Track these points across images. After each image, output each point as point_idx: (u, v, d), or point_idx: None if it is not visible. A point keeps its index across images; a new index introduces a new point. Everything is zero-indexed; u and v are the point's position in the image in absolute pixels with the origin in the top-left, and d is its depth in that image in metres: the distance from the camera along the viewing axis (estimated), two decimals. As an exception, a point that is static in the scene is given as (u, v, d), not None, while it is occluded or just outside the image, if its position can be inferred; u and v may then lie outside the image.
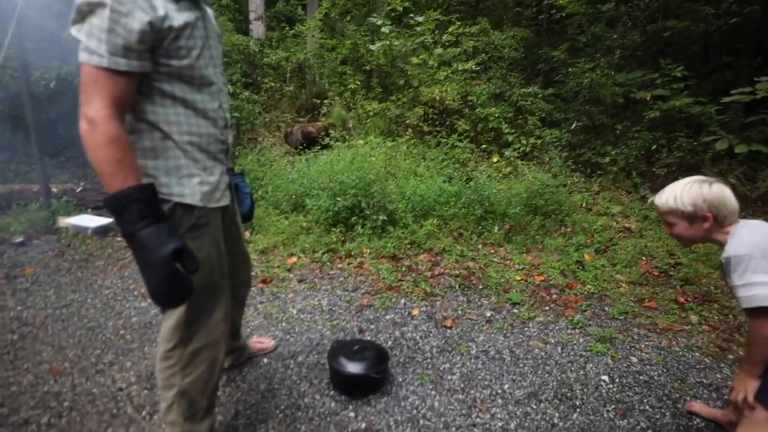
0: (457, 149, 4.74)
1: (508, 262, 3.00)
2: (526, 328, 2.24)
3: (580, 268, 2.91)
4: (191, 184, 1.17)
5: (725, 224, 1.28)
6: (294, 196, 3.73)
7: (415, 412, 1.65)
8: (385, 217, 3.25)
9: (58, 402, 1.68)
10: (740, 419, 1.34)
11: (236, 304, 1.62)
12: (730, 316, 2.36)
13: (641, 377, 1.87)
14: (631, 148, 4.44)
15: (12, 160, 4.79)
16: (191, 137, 1.16)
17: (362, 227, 3.24)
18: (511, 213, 3.48)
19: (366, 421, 1.60)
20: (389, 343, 2.09)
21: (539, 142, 4.82)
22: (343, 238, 3.22)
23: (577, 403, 1.71)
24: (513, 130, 4.95)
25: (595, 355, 2.02)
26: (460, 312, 2.39)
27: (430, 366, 1.93)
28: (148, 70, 1.04)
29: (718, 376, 1.88)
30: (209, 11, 1.23)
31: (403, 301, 2.49)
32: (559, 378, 1.86)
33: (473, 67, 5.51)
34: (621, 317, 2.35)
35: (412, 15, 5.84)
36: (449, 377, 1.85)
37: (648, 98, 4.45)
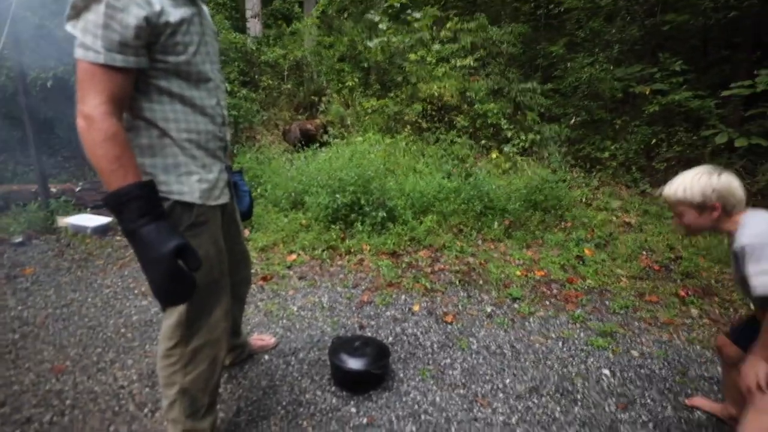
0: (456, 145, 4.74)
1: (508, 257, 3.00)
2: (526, 323, 2.24)
3: (581, 262, 2.91)
4: (190, 182, 1.16)
5: (733, 213, 1.29)
6: (293, 194, 3.72)
7: (416, 407, 1.66)
8: (385, 214, 3.25)
9: (60, 400, 1.68)
10: (746, 407, 1.33)
11: (236, 301, 1.62)
12: (731, 310, 2.37)
13: (642, 371, 1.88)
14: (631, 142, 4.44)
15: (10, 161, 4.78)
16: (189, 134, 1.15)
17: (362, 224, 3.24)
18: (511, 209, 3.48)
19: (367, 417, 1.60)
20: (390, 339, 2.10)
21: (538, 137, 4.81)
22: (342, 235, 3.22)
23: (579, 397, 1.72)
24: (512, 126, 4.94)
25: (596, 349, 2.03)
26: (460, 307, 2.39)
27: (431, 361, 1.93)
28: (144, 66, 1.03)
29: (719, 369, 1.88)
30: (205, 8, 1.23)
31: (403, 297, 2.49)
32: (560, 372, 1.86)
33: (471, 63, 5.49)
34: (622, 311, 2.36)
35: (409, 11, 5.82)
36: (450, 372, 1.86)
37: (647, 92, 4.45)
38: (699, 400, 1.68)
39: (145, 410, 1.63)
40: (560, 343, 2.07)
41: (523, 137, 4.84)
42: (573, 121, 4.98)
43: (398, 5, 5.91)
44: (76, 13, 0.95)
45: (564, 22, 6.22)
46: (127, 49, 0.97)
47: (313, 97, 6.06)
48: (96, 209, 3.89)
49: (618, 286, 2.62)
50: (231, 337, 1.64)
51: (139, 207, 0.97)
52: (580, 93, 5.02)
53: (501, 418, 1.60)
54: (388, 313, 2.32)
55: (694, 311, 2.36)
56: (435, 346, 2.04)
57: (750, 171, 3.91)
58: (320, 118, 5.71)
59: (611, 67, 4.88)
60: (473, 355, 1.97)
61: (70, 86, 4.30)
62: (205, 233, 1.22)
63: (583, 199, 3.97)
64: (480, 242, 3.24)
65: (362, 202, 3.28)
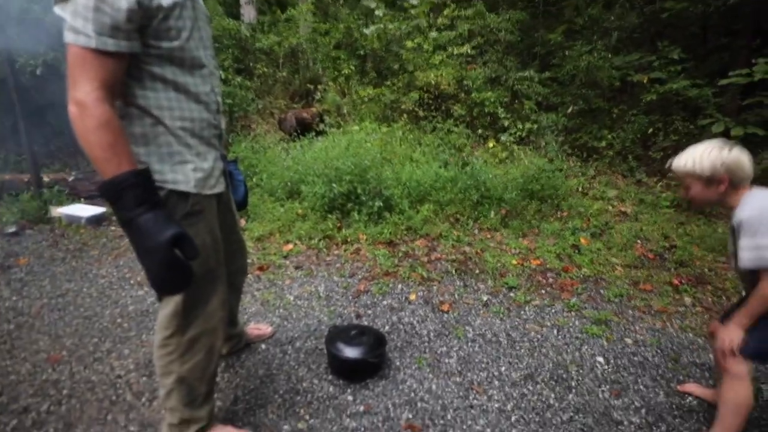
0: (453, 134, 4.71)
1: (505, 246, 3.01)
2: (522, 312, 2.26)
3: (576, 251, 2.92)
4: (185, 171, 1.15)
5: (739, 188, 1.31)
6: (289, 183, 3.70)
7: (412, 395, 1.67)
8: (381, 203, 3.24)
9: (57, 390, 1.68)
10: (723, 374, 1.39)
11: (233, 291, 1.61)
12: (724, 298, 2.39)
13: (636, 358, 1.90)
14: (628, 131, 4.43)
15: (1, 150, 4.71)
16: (183, 122, 1.13)
17: (358, 213, 3.23)
18: (507, 198, 3.48)
19: (364, 405, 1.62)
20: (386, 327, 2.11)
21: (535, 126, 4.79)
22: (339, 225, 3.21)
23: (573, 384, 1.74)
24: (509, 115, 4.91)
25: (590, 337, 2.05)
26: (456, 296, 2.40)
27: (427, 350, 1.94)
28: (137, 51, 1.00)
29: (710, 356, 1.90)
30: None
31: (400, 286, 2.50)
32: (555, 360, 1.88)
33: (469, 50, 5.44)
34: (616, 300, 2.38)
35: (406, -3, 5.74)
36: (446, 360, 1.87)
37: (645, 81, 4.42)
38: (691, 386, 1.70)
39: (143, 399, 1.63)
40: (555, 331, 2.09)
41: (520, 126, 4.82)
42: (570, 110, 4.96)
43: (395, -9, 5.82)
44: None
45: (563, 9, 6.14)
46: (119, 33, 0.94)
47: (308, 85, 5.99)
48: (90, 199, 3.86)
49: (613, 275, 2.64)
50: (228, 327, 1.64)
51: (135, 196, 0.96)
52: (578, 81, 4.98)
53: (496, 405, 1.62)
54: (384, 302, 2.33)
55: (688, 299, 2.38)
56: (431, 334, 2.06)
57: (746, 160, 3.91)
58: (316, 106, 5.66)
59: (609, 56, 4.84)
60: (469, 344, 1.99)
61: (60, 73, 4.23)
62: (201, 222, 1.20)
63: (580, 189, 3.97)
64: (476, 231, 3.24)
65: (359, 191, 3.27)
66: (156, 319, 1.32)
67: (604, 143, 4.50)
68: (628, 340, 2.02)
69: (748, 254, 1.24)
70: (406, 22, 5.67)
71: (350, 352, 1.70)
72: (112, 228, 3.36)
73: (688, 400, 1.66)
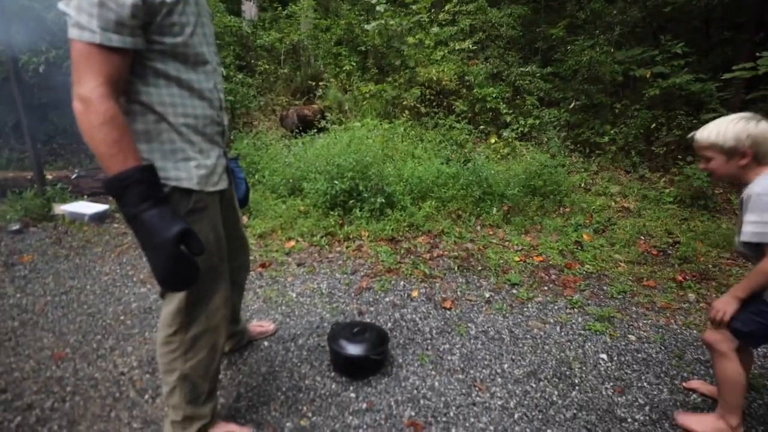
0: (455, 130, 4.70)
1: (507, 243, 3.00)
2: (525, 309, 2.25)
3: (579, 248, 2.91)
4: (188, 168, 1.14)
5: (762, 164, 1.30)
6: (291, 180, 3.70)
7: (415, 392, 1.67)
8: (383, 200, 3.23)
9: (61, 387, 1.69)
10: (712, 356, 1.46)
11: (235, 288, 1.61)
12: (727, 294, 2.38)
13: (639, 355, 1.89)
14: (630, 127, 4.40)
15: (4, 147, 4.72)
16: (187, 119, 1.13)
17: (360, 210, 3.23)
18: (510, 194, 3.47)
19: (367, 402, 1.62)
20: (389, 324, 2.11)
21: (537, 122, 4.77)
22: (341, 222, 3.21)
23: (576, 381, 1.74)
24: (511, 111, 4.89)
25: (593, 333, 2.04)
26: (459, 293, 2.40)
27: (429, 347, 1.94)
28: (141, 47, 1.00)
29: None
30: None
31: (402, 283, 2.50)
32: (558, 357, 1.88)
33: (470, 46, 5.41)
34: (619, 296, 2.37)
35: (407, -8, 5.71)
36: (449, 358, 1.87)
37: (648, 76, 4.39)
38: (695, 383, 1.70)
39: (146, 396, 1.64)
40: (558, 328, 2.08)
41: (522, 122, 4.80)
42: (572, 105, 4.93)
43: (396, -14, 5.79)
44: None
45: (564, 3, 6.10)
46: (124, 28, 0.94)
47: (310, 82, 5.98)
48: (93, 196, 3.87)
49: (616, 271, 2.63)
50: (230, 324, 1.64)
51: (140, 192, 0.96)
52: (580, 77, 4.95)
53: (499, 403, 1.62)
54: (387, 299, 2.33)
55: (692, 296, 2.37)
56: (434, 331, 2.05)
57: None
58: (318, 103, 5.64)
59: (612, 50, 4.81)
60: (472, 341, 1.99)
61: (63, 71, 4.22)
62: (204, 219, 1.20)
63: (582, 184, 3.95)
64: (479, 228, 3.23)
65: (361, 188, 3.26)
66: (159, 317, 1.32)
67: (606, 139, 4.47)
68: (632, 337, 2.02)
69: (752, 228, 1.23)
70: (408, 18, 5.64)
71: (353, 349, 1.70)
72: (115, 225, 3.36)
73: (692, 397, 1.66)
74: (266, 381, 1.72)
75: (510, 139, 4.68)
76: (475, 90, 5.01)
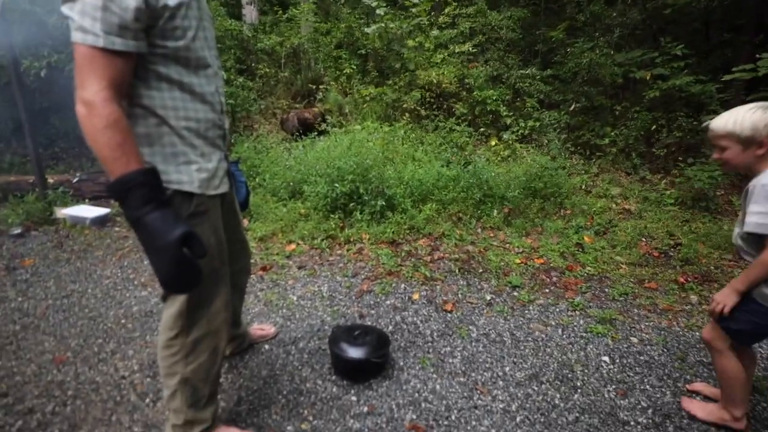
0: (455, 133, 4.70)
1: (508, 245, 3.00)
2: (526, 311, 2.25)
3: (580, 250, 2.91)
4: (189, 171, 1.15)
5: None
6: (292, 183, 3.70)
7: (416, 395, 1.67)
8: (384, 203, 3.23)
9: (62, 391, 1.69)
10: (710, 353, 1.49)
11: (236, 291, 1.61)
12: (729, 295, 2.37)
13: (642, 357, 1.89)
14: (631, 128, 4.40)
15: (6, 151, 4.74)
16: (188, 122, 1.13)
17: (361, 213, 3.23)
18: (510, 196, 3.47)
19: (368, 405, 1.61)
20: (390, 327, 2.10)
21: (538, 124, 4.77)
22: (341, 225, 3.21)
23: (578, 384, 1.73)
24: (511, 113, 4.90)
25: (595, 336, 2.04)
26: (460, 296, 2.39)
27: (431, 350, 1.94)
28: (143, 50, 1.00)
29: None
30: None
31: (403, 285, 2.49)
32: (559, 359, 1.87)
33: (470, 49, 5.42)
34: (621, 298, 2.36)
35: (407, -4, 5.73)
36: (450, 360, 1.86)
37: (648, 78, 4.40)
38: (699, 386, 1.69)
39: (147, 400, 1.64)
40: (560, 331, 2.08)
41: (523, 124, 4.80)
42: (573, 107, 4.94)
43: (396, -11, 5.81)
44: None
45: (564, 5, 6.12)
46: (127, 32, 0.94)
47: (310, 85, 5.99)
48: (94, 200, 3.87)
49: (617, 273, 2.63)
50: (231, 327, 1.64)
51: (143, 195, 0.96)
52: (580, 79, 4.96)
53: (501, 406, 1.61)
54: (387, 302, 2.33)
55: (694, 297, 2.37)
56: (435, 334, 2.05)
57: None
58: (318, 106, 5.66)
59: (612, 52, 4.81)
60: (473, 343, 1.98)
61: (64, 75, 4.24)
62: (205, 223, 1.20)
63: (583, 186, 3.95)
64: (479, 230, 3.23)
65: (361, 190, 3.26)
66: (160, 320, 1.32)
67: (607, 140, 4.47)
68: (634, 339, 2.01)
69: (756, 219, 1.23)
70: (408, 21, 5.65)
71: (354, 353, 1.69)
72: (117, 229, 3.37)
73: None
74: (267, 384, 1.72)
75: (510, 142, 4.68)
76: (475, 92, 5.01)
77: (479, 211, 3.40)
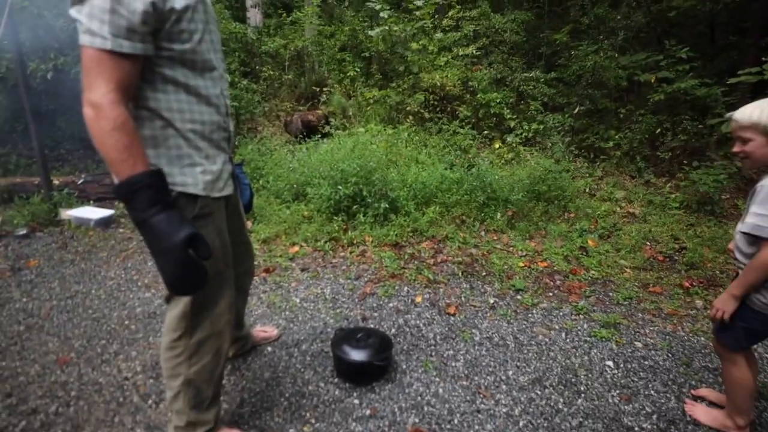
0: (459, 136, 4.70)
1: (511, 248, 2.99)
2: (529, 315, 2.24)
3: (584, 253, 2.89)
4: (194, 174, 1.15)
5: None
6: (295, 185, 3.71)
7: (419, 398, 1.66)
8: (387, 205, 3.23)
9: (66, 391, 1.69)
10: (721, 361, 1.49)
11: (239, 293, 1.61)
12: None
13: (646, 362, 1.87)
14: (635, 132, 4.38)
15: (13, 153, 4.77)
16: (194, 125, 1.14)
17: (364, 215, 3.23)
18: (514, 199, 3.46)
19: (370, 408, 1.61)
20: (393, 330, 2.10)
21: (541, 127, 4.76)
22: (345, 227, 3.21)
23: (582, 388, 1.72)
24: (515, 116, 4.89)
25: (599, 340, 2.02)
26: (463, 299, 2.38)
27: (433, 353, 1.93)
28: (150, 53, 1.01)
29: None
30: None
31: (406, 288, 2.49)
32: (563, 364, 1.86)
33: (474, 51, 5.43)
34: (625, 302, 2.35)
35: (411, -1, 5.74)
36: (453, 364, 1.86)
37: (652, 81, 4.38)
38: (705, 391, 1.67)
39: (149, 401, 1.64)
40: (563, 335, 2.07)
41: (526, 127, 4.80)
42: (577, 110, 4.92)
43: (400, -7, 5.83)
44: None
45: (568, 8, 6.12)
46: (134, 35, 0.95)
47: (314, 88, 6.01)
48: (99, 201, 3.90)
49: (622, 277, 2.61)
50: (234, 329, 1.64)
51: (149, 196, 0.97)
52: (584, 82, 4.95)
53: (504, 410, 1.60)
54: (390, 305, 2.32)
55: (699, 302, 2.35)
56: (438, 337, 2.04)
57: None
58: (322, 108, 5.67)
59: (616, 55, 4.80)
60: (476, 347, 1.97)
61: (70, 78, 4.28)
62: (210, 225, 1.21)
63: (587, 190, 3.94)
64: (483, 233, 3.22)
65: (364, 193, 3.26)
66: (163, 321, 1.32)
67: (611, 144, 4.46)
68: (638, 344, 2.00)
69: (755, 220, 1.22)
70: (411, 24, 5.67)
71: (356, 355, 1.69)
72: (121, 230, 3.38)
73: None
74: (269, 387, 1.72)
75: (514, 145, 4.67)
76: (478, 95, 5.01)
77: (483, 214, 3.39)
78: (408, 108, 5.09)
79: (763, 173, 1.28)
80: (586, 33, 5.44)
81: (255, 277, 2.46)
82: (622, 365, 1.85)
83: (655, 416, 1.58)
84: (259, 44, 6.35)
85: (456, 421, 1.55)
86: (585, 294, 2.43)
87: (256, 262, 2.37)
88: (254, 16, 7.33)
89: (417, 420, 1.56)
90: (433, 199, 3.50)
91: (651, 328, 2.12)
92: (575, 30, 5.53)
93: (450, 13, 5.88)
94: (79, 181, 3.98)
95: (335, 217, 3.26)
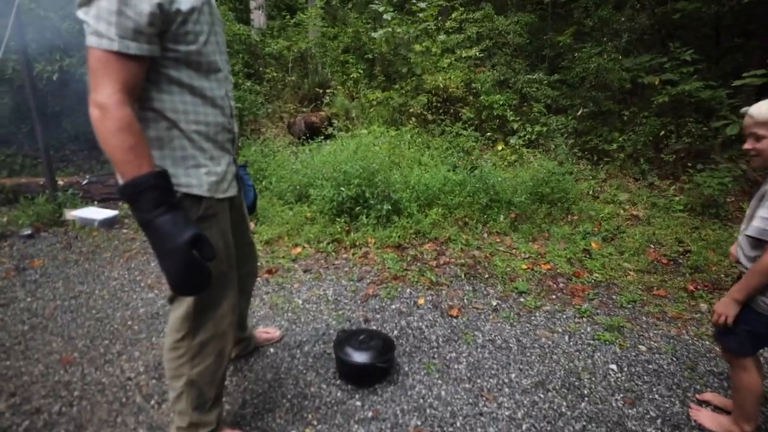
0: (462, 137, 4.70)
1: (514, 250, 2.98)
2: (532, 317, 2.23)
3: (587, 256, 2.88)
4: (198, 175, 1.15)
5: None
6: (298, 187, 3.71)
7: (421, 401, 1.65)
8: (390, 207, 3.23)
9: (69, 391, 1.70)
10: (730, 367, 1.47)
11: (242, 294, 1.62)
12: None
13: (650, 366, 1.86)
14: (639, 134, 4.37)
15: (18, 153, 4.81)
16: (198, 126, 1.14)
17: (367, 217, 3.23)
18: (517, 201, 3.45)
19: (372, 410, 1.60)
20: (395, 332, 2.09)
21: (545, 129, 4.75)
22: (347, 228, 3.21)
23: (585, 392, 1.71)
24: (518, 118, 4.89)
25: (603, 343, 2.01)
26: (466, 301, 2.38)
27: (436, 355, 1.92)
28: (156, 54, 1.02)
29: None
30: None
31: (408, 290, 2.49)
32: (566, 367, 1.85)
33: (477, 53, 5.43)
34: (629, 306, 2.33)
35: (414, 1, 5.75)
36: (456, 366, 1.85)
37: (656, 83, 4.37)
38: (709, 395, 1.66)
39: (152, 402, 1.64)
40: (567, 338, 2.06)
41: (530, 129, 4.79)
42: (580, 112, 4.91)
43: (403, -5, 5.84)
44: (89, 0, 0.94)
45: (571, 10, 6.11)
46: (141, 36, 0.96)
47: (317, 90, 6.03)
48: (103, 202, 3.92)
49: (625, 280, 2.60)
50: (237, 330, 1.64)
51: (154, 197, 0.97)
52: (588, 84, 4.94)
53: (507, 413, 1.60)
54: (393, 307, 2.32)
55: (703, 306, 2.33)
56: (440, 339, 2.04)
57: (761, 163, 3.83)
58: (325, 110, 5.69)
59: (620, 57, 4.79)
60: (479, 349, 1.97)
61: (76, 79, 4.30)
62: (214, 226, 1.21)
63: (590, 192, 3.92)
64: (485, 235, 3.22)
65: (367, 194, 3.26)
66: (166, 322, 1.32)
67: (615, 146, 4.44)
68: (642, 348, 1.98)
69: (761, 224, 1.21)
70: (415, 26, 5.67)
71: (359, 357, 1.69)
72: (124, 230, 3.40)
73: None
74: (272, 388, 1.72)
75: (517, 146, 4.66)
76: (481, 97, 5.01)
77: (485, 216, 3.39)
78: (411, 110, 5.10)
79: None
80: (590, 35, 5.43)
81: (258, 278, 2.47)
82: (625, 369, 1.84)
83: (659, 421, 1.57)
84: (262, 46, 6.37)
85: (458, 424, 1.55)
86: (588, 297, 2.42)
87: (258, 264, 2.38)
88: (258, 17, 7.37)
89: (419, 422, 1.55)
90: (436, 200, 3.49)
91: (655, 332, 2.10)
92: (579, 32, 5.52)
93: (453, 15, 5.88)
94: (84, 182, 4.00)
95: (338, 219, 3.26)
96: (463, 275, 2.65)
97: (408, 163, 4.05)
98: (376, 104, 5.31)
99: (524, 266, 2.75)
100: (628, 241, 3.07)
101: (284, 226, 3.25)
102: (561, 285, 2.55)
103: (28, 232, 3.27)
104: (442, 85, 5.11)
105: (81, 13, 0.95)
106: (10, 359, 1.89)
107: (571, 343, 2.01)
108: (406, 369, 1.83)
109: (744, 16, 4.62)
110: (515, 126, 4.82)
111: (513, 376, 1.80)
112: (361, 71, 5.86)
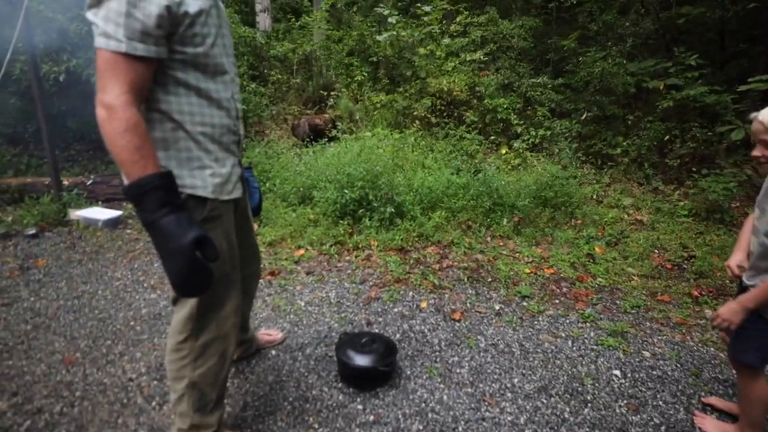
0: (466, 141, 4.69)
1: (518, 254, 2.97)
2: (535, 322, 2.22)
3: (591, 261, 2.87)
4: (203, 176, 1.16)
5: None
6: (301, 189, 3.72)
7: (423, 405, 1.65)
8: (393, 210, 3.23)
9: (70, 391, 1.70)
10: (737, 375, 1.44)
11: (245, 296, 1.62)
12: (745, 310, 2.32)
13: (654, 372, 1.85)
14: (643, 138, 4.35)
15: (24, 153, 4.84)
16: (204, 128, 1.15)
17: (370, 219, 3.23)
18: (520, 205, 3.44)
19: (374, 414, 1.60)
20: (397, 335, 2.09)
21: (549, 133, 4.74)
22: (350, 231, 3.21)
23: (588, 397, 1.70)
24: (522, 122, 4.88)
25: (606, 349, 2.00)
26: (468, 305, 2.37)
27: (438, 359, 1.92)
28: (164, 56, 1.03)
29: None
30: (220, 2, 1.22)
31: (411, 293, 2.48)
32: (569, 372, 1.84)
33: (481, 57, 5.43)
34: (633, 311, 2.32)
35: (419, 4, 5.76)
36: (458, 371, 1.84)
37: (661, 87, 4.36)
38: (713, 399, 1.65)
39: (153, 403, 1.64)
40: (570, 343, 2.04)
41: (534, 133, 4.78)
42: (584, 116, 4.90)
43: (408, -2, 5.86)
44: (98, 1, 0.95)
45: (576, 15, 6.11)
46: (149, 38, 0.97)
47: (322, 92, 6.04)
48: (107, 202, 3.93)
49: (629, 285, 2.58)
50: (239, 332, 1.64)
51: (158, 198, 0.98)
52: (592, 88, 4.93)
53: (509, 418, 1.59)
54: (395, 310, 2.31)
55: (708, 311, 2.31)
56: (442, 343, 2.03)
57: (767, 169, 3.81)
58: (329, 112, 5.70)
59: (624, 62, 4.78)
60: (481, 354, 1.96)
61: (82, 80, 4.33)
62: (218, 228, 1.21)
63: (594, 196, 3.91)
64: (489, 239, 3.21)
65: (370, 197, 3.26)
66: (169, 323, 1.32)
67: (619, 150, 4.43)
68: (646, 353, 1.97)
69: None
70: (419, 29, 5.69)
71: (360, 360, 1.68)
72: (128, 231, 3.41)
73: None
74: (273, 390, 1.71)
75: (521, 150, 4.66)
76: (485, 101, 5.01)
77: (489, 220, 3.38)
78: (415, 113, 5.10)
79: None
80: (594, 39, 5.43)
81: (260, 280, 2.47)
82: (629, 375, 1.83)
83: (663, 428, 1.55)
84: (267, 48, 6.40)
85: (460, 429, 1.54)
86: (592, 302, 2.40)
87: (261, 265, 2.38)
88: (263, 20, 7.40)
89: (421, 427, 1.54)
90: (439, 204, 3.49)
91: (659, 338, 2.09)
92: (583, 36, 5.52)
93: (458, 19, 5.89)
94: (89, 182, 4.02)
95: (341, 221, 3.26)
96: (465, 279, 2.64)
97: (411, 166, 4.04)
98: (380, 107, 5.32)
99: (527, 270, 2.73)
100: (632, 246, 3.05)
101: (287, 228, 3.25)
102: (564, 289, 2.54)
103: (32, 231, 3.28)
104: (446, 89, 5.12)
105: (90, 15, 0.96)
106: (13, 359, 1.89)
107: (575, 348, 2.00)
108: (408, 373, 1.82)
109: (749, 21, 4.61)
110: (519, 130, 4.82)
111: (516, 380, 1.79)
112: (366, 74, 5.87)
